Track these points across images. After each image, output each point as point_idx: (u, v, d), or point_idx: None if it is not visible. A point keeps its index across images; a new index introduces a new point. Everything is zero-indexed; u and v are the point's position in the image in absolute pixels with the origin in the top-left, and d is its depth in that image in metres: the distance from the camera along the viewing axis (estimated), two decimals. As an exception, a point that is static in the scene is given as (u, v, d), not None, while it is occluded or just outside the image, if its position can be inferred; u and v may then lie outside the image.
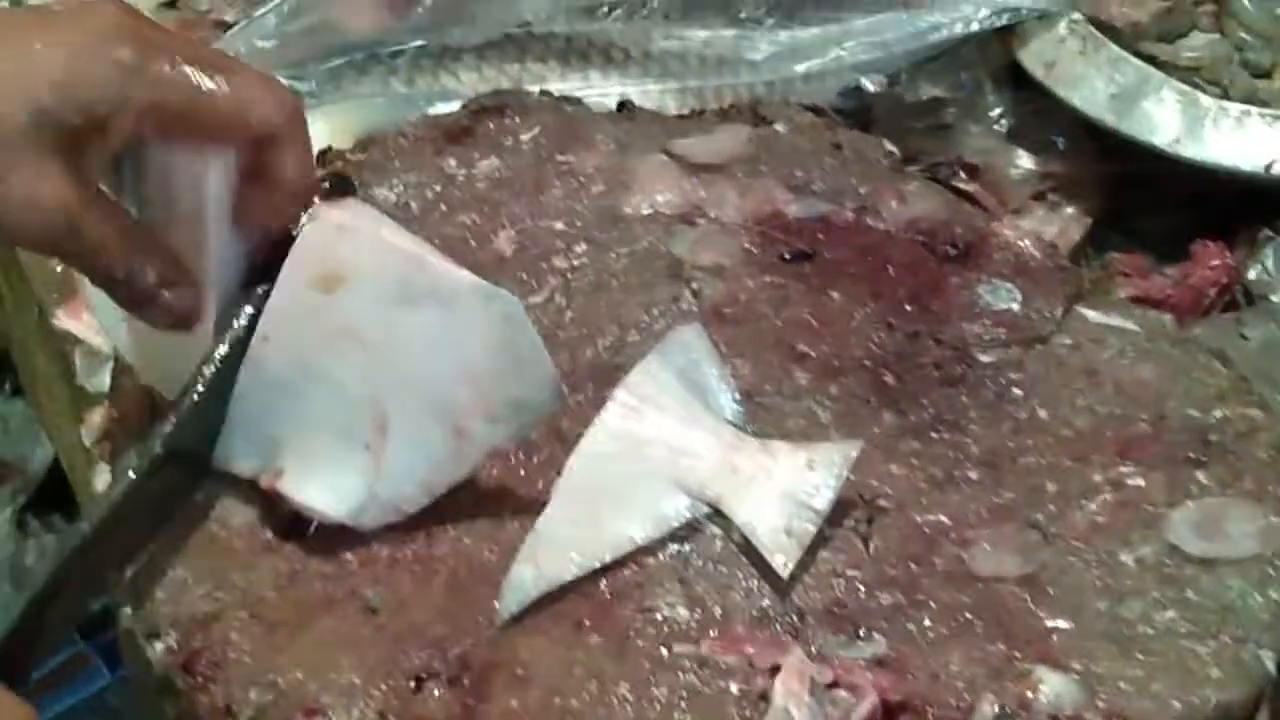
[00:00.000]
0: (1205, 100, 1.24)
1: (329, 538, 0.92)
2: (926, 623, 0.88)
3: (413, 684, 0.87)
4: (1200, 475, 0.95)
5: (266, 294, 0.90)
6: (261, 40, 1.35)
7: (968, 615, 0.88)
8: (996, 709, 0.83)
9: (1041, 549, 0.91)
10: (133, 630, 0.92)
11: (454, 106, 1.26)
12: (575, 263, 1.08)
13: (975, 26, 1.32)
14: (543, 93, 1.23)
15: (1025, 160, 1.34)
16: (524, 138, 1.17)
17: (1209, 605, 0.88)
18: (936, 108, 1.36)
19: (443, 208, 1.12)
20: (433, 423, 0.91)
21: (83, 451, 1.27)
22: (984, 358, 1.03)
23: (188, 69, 0.82)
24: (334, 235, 0.89)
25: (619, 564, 0.91)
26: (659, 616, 0.89)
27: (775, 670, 0.85)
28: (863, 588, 0.89)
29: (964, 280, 1.07)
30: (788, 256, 1.08)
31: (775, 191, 1.12)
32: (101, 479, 1.17)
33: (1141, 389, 1.00)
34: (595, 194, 1.12)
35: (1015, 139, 1.35)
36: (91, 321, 1.21)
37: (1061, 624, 0.87)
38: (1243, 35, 1.34)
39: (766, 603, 0.89)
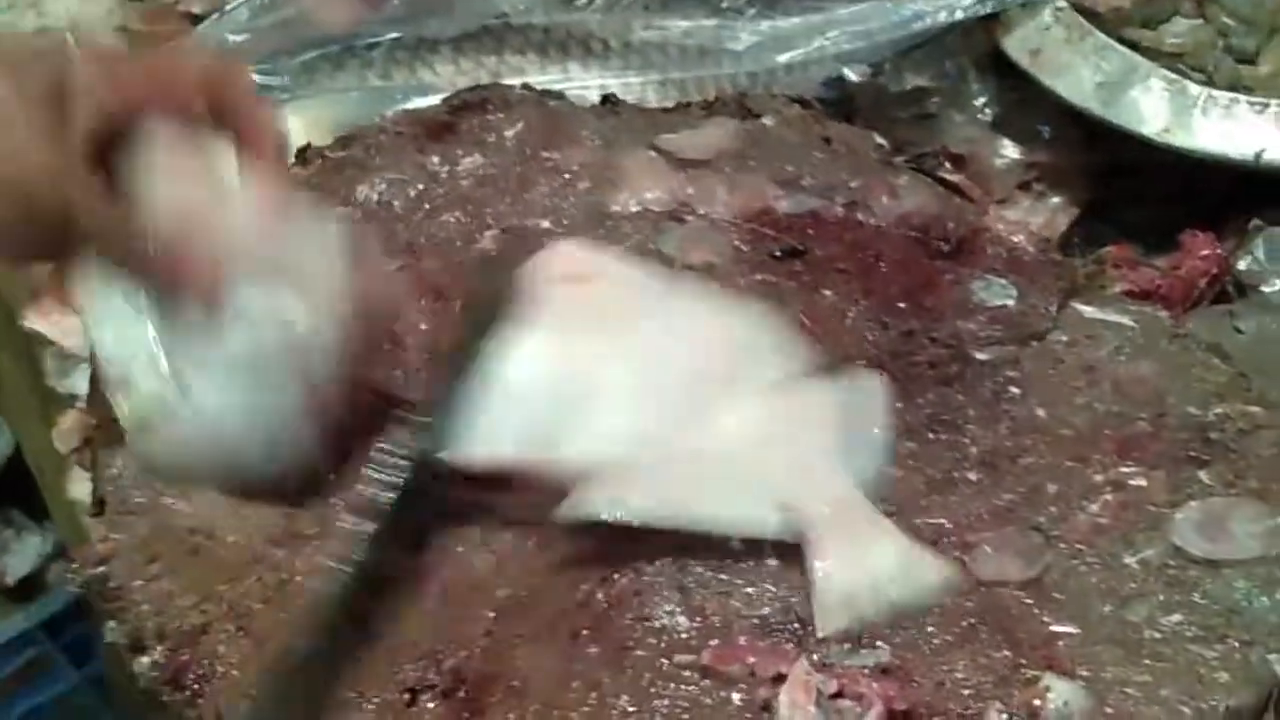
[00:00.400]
0: (1193, 88, 1.23)
1: (316, 549, 0.90)
2: (930, 629, 0.86)
3: (407, 697, 0.86)
4: (1202, 474, 0.94)
5: None
6: (233, 34, 1.34)
7: (971, 621, 0.87)
8: (1004, 718, 0.81)
9: (1044, 552, 0.90)
10: (117, 644, 0.91)
11: (432, 100, 1.24)
12: (565, 262, 1.06)
13: (959, 14, 1.31)
14: (524, 86, 1.22)
15: (1010, 150, 1.33)
16: (507, 134, 1.16)
17: (1215, 608, 0.87)
18: (920, 97, 1.35)
19: (426, 206, 1.11)
20: (688, 402, 0.91)
21: (54, 455, 1.26)
22: (980, 355, 1.01)
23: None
24: (572, 255, 0.98)
25: (617, 572, 0.89)
26: (658, 625, 0.87)
27: (778, 680, 0.83)
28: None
29: (957, 276, 1.06)
30: (778, 254, 1.06)
31: (765, 187, 1.11)
32: (78, 486, 1.16)
33: (1140, 386, 0.99)
34: (581, 191, 1.11)
35: (1000, 128, 1.34)
36: (63, 322, 1.19)
37: (1067, 629, 0.86)
38: (1226, 20, 1.33)
39: (767, 611, 0.87)
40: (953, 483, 0.94)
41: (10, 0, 1.53)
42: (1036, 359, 1.02)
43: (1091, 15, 1.30)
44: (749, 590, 0.88)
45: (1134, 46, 1.28)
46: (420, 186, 1.12)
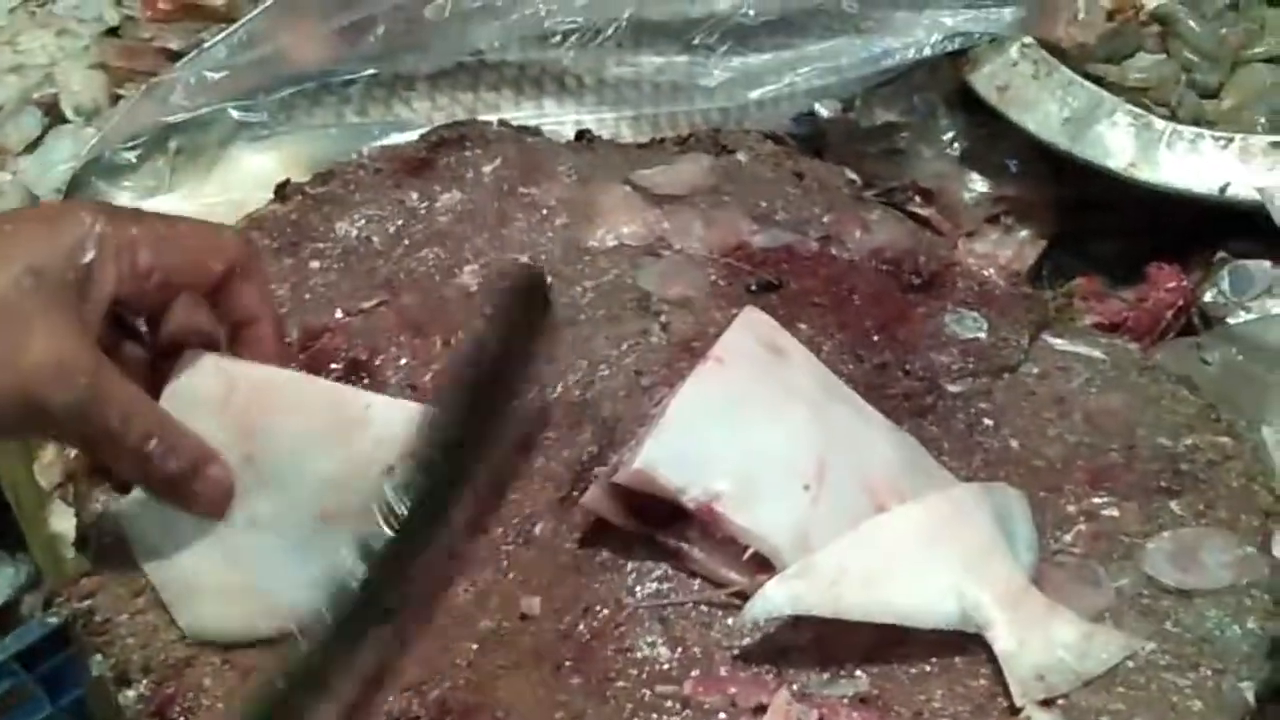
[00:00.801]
0: (1158, 123, 1.24)
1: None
2: (907, 658, 0.88)
3: (391, 728, 0.87)
4: (1173, 505, 0.95)
5: None
6: (211, 71, 1.34)
7: (947, 649, 0.88)
8: (983, 746, 0.83)
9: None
10: (103, 677, 0.92)
11: (409, 136, 1.25)
12: (542, 297, 1.07)
13: (927, 51, 1.32)
14: (500, 122, 1.22)
15: (979, 184, 1.35)
16: (485, 170, 1.16)
17: (1187, 637, 0.88)
18: (890, 132, 1.36)
19: (405, 242, 1.11)
20: (861, 491, 0.91)
21: (33, 489, 1.26)
22: (953, 388, 1.02)
23: (149, 216, 0.91)
24: (769, 324, 0.97)
25: (598, 605, 0.90)
26: (639, 656, 0.88)
27: (759, 710, 0.85)
28: (842, 624, 0.88)
29: (929, 309, 1.07)
30: (754, 288, 1.07)
31: (739, 222, 1.12)
32: (61, 520, 1.16)
33: (1110, 418, 1.00)
34: (559, 226, 1.12)
35: (968, 163, 1.36)
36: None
37: (1042, 657, 0.87)
38: (1189, 56, 1.34)
39: (747, 641, 0.88)
40: (928, 514, 0.95)
41: (-14, 37, 1.54)
42: (1008, 391, 1.03)
43: (1056, 51, 1.32)
44: (729, 621, 0.89)
45: (1099, 82, 1.29)
46: (399, 222, 1.13)
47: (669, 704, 0.86)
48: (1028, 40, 1.31)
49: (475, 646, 0.90)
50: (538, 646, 0.89)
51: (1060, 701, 0.84)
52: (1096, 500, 0.96)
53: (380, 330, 1.05)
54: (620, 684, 0.87)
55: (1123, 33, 1.35)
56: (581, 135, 1.24)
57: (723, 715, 0.85)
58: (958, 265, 1.11)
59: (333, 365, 1.04)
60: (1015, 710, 0.84)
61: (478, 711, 0.87)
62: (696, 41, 1.38)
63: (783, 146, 1.22)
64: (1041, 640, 0.86)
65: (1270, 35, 1.35)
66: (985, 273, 1.10)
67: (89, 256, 0.86)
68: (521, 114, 1.34)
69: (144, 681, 0.90)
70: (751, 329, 0.97)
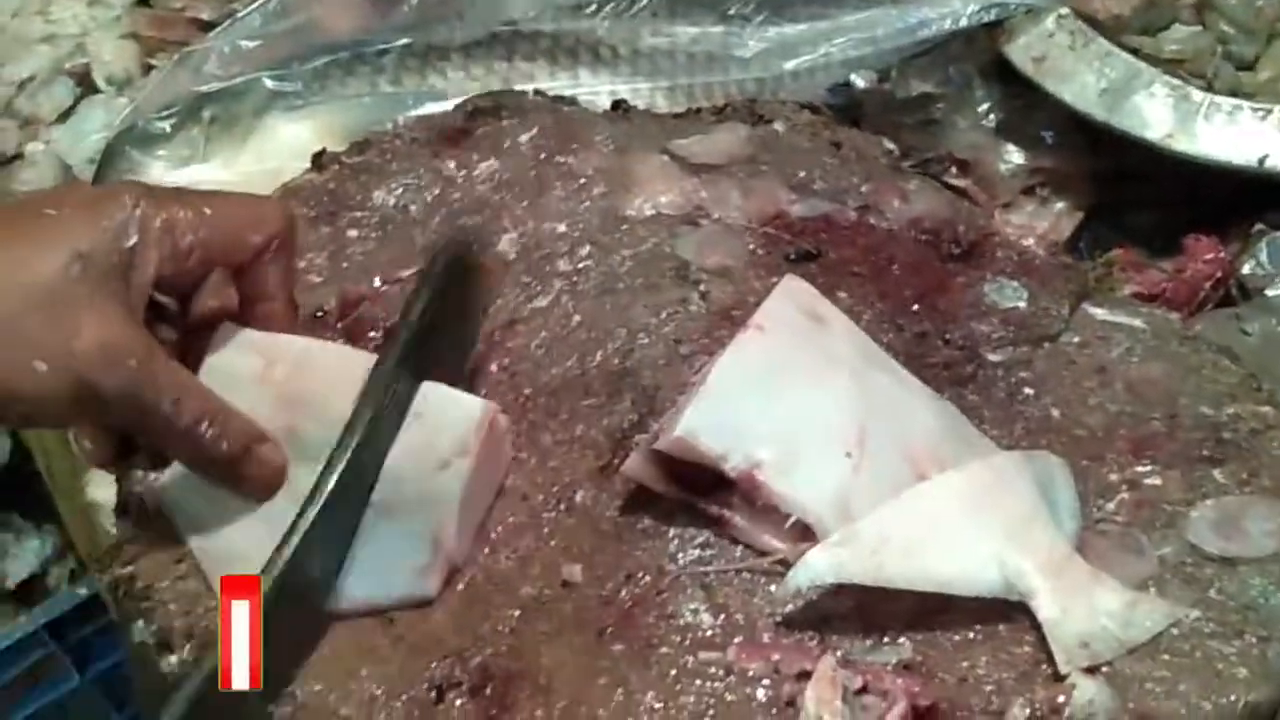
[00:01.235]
0: (1196, 94, 1.24)
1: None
2: (950, 625, 0.87)
3: (434, 694, 0.87)
4: (1216, 473, 0.95)
5: None
6: (245, 40, 1.34)
7: (991, 617, 0.87)
8: (1027, 712, 0.82)
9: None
10: (146, 643, 0.92)
11: (443, 106, 1.25)
12: (580, 265, 1.07)
13: (964, 22, 1.32)
14: (536, 92, 1.22)
15: (1015, 155, 1.34)
16: (522, 139, 1.16)
17: (1231, 605, 0.88)
18: (926, 103, 1.36)
19: (443, 211, 1.11)
20: (902, 459, 0.91)
21: (67, 457, 1.26)
22: (993, 357, 1.02)
23: (190, 194, 0.91)
24: (810, 293, 0.98)
25: (640, 571, 0.90)
26: (682, 623, 0.88)
27: (802, 676, 0.84)
28: (885, 591, 0.87)
29: (969, 279, 1.07)
30: (793, 257, 1.07)
31: (778, 191, 1.12)
32: (99, 489, 1.16)
33: (1152, 387, 1.00)
34: (596, 195, 1.11)
35: (1004, 134, 1.35)
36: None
37: (1086, 625, 0.87)
38: (1225, 28, 1.33)
39: (790, 608, 0.88)
40: (970, 483, 0.95)
41: (18, 7, 1.54)
42: (1049, 360, 1.03)
43: (1092, 22, 1.31)
44: (771, 588, 0.89)
45: (1133, 53, 1.29)
46: (436, 191, 1.13)
47: (712, 670, 0.86)
48: (1064, 11, 1.30)
49: (517, 613, 0.90)
50: (580, 613, 0.89)
51: (1104, 669, 0.84)
52: (1139, 469, 0.95)
53: (418, 299, 1.05)
54: (663, 650, 0.87)
55: (1158, 4, 1.34)
56: (617, 105, 1.24)
57: (766, 682, 0.85)
58: (997, 235, 1.10)
59: (371, 334, 1.04)
60: (1060, 677, 0.84)
61: (519, 678, 0.87)
62: (732, 12, 1.38)
63: (819, 116, 1.22)
64: (1085, 608, 0.86)
65: (1307, 8, 1.34)
66: (1024, 242, 1.10)
67: (132, 240, 0.86)
68: (556, 84, 1.34)
69: (186, 647, 0.90)
70: (792, 297, 0.97)
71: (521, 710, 0.86)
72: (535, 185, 1.13)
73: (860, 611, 0.88)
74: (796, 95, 1.31)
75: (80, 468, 1.24)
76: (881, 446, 0.91)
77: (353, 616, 0.90)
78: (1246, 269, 1.20)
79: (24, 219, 0.86)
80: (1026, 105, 1.34)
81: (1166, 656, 0.85)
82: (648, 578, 0.90)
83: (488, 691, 0.86)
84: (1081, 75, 1.27)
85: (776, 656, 0.86)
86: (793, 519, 0.89)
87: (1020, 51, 1.31)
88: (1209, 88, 1.28)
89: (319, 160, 1.15)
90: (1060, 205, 1.32)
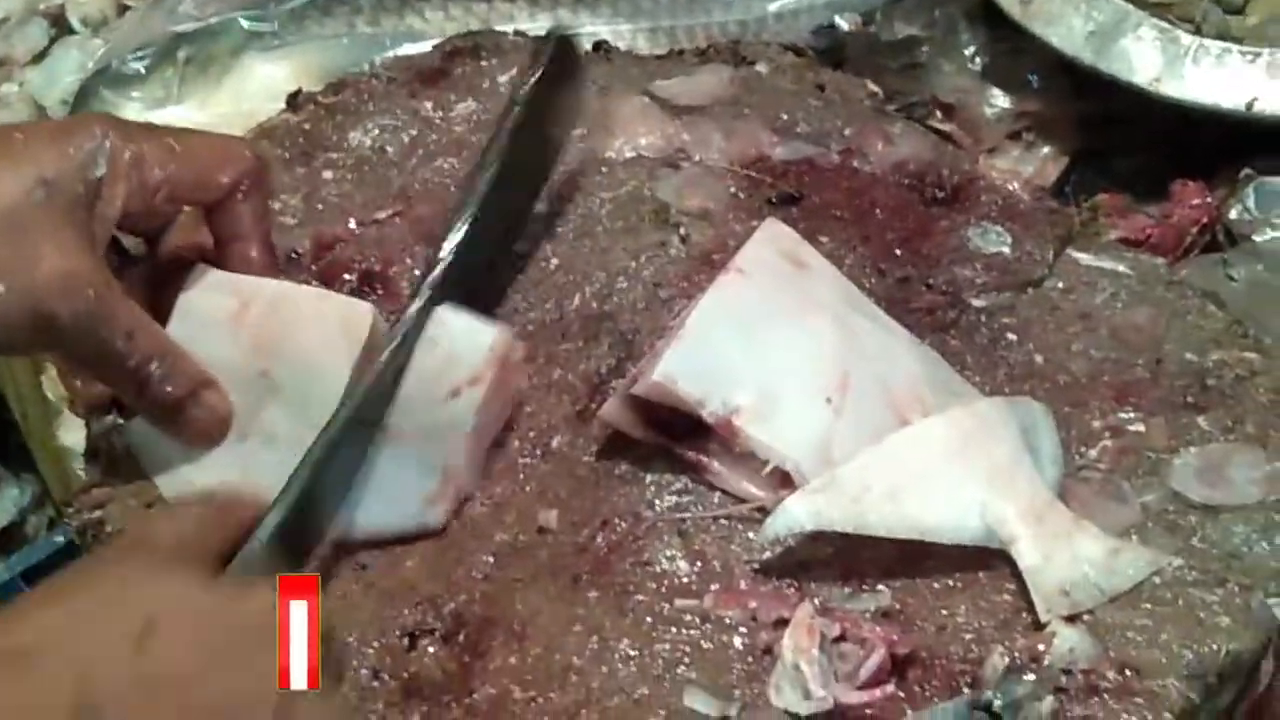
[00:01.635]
0: (1185, 38, 1.22)
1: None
2: (930, 573, 0.87)
3: (406, 641, 0.86)
4: (1200, 420, 0.94)
5: None
6: (223, -23, 1.32)
7: (971, 564, 0.86)
8: (1006, 661, 0.81)
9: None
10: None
11: (421, 47, 1.24)
12: (559, 208, 1.05)
13: (950, -37, 1.30)
14: (516, 33, 1.20)
15: (1000, 99, 1.32)
16: (500, 80, 1.14)
17: (1214, 553, 0.87)
18: (911, 46, 1.34)
19: (420, 152, 1.10)
20: (884, 405, 0.90)
21: (40, 402, 1.25)
22: (976, 302, 1.01)
23: (160, 130, 0.92)
24: (792, 237, 0.97)
25: (616, 518, 0.89)
26: (658, 570, 0.87)
27: (780, 624, 0.84)
28: (864, 538, 0.86)
29: (952, 223, 1.05)
30: (775, 200, 1.06)
31: (760, 134, 1.10)
32: (70, 434, 1.15)
33: (1136, 333, 0.99)
34: (576, 137, 1.09)
35: (989, 78, 1.33)
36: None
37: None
38: (1214, -30, 1.32)
39: (768, 555, 0.87)
40: (951, 428, 0.94)
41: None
42: (1033, 306, 1.01)
43: (1078, -36, 1.29)
44: (749, 535, 0.88)
45: (1121, -3, 1.28)
46: (414, 132, 1.11)
47: (688, 618, 0.85)
48: (1051, -48, 1.29)
49: (491, 559, 0.89)
50: (555, 560, 0.88)
51: (1086, 617, 0.83)
52: (1122, 415, 0.94)
53: (394, 241, 1.04)
54: (639, 597, 0.86)
55: (1147, -53, 1.33)
56: (598, 47, 1.22)
57: (743, 629, 0.84)
58: (981, 179, 1.09)
59: (345, 276, 1.03)
60: (1040, 625, 0.83)
61: (494, 625, 0.86)
62: (715, -49, 1.36)
63: (803, 59, 1.20)
64: (1066, 556, 0.85)
65: (1297, -49, 1.32)
66: (1009, 187, 1.08)
67: (100, 171, 0.85)
68: (536, 25, 1.32)
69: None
70: (773, 241, 0.96)
71: (495, 657, 0.85)
72: (514, 126, 1.11)
73: (839, 559, 0.87)
74: (780, 37, 1.30)
75: (53, 412, 1.23)
76: (863, 392, 0.90)
77: (358, 548, 0.90)
78: (1233, 214, 1.19)
79: None
80: (1012, 48, 1.32)
81: (1148, 605, 0.84)
82: (624, 524, 0.89)
83: (461, 638, 0.86)
84: (1068, 18, 1.25)
85: (754, 604, 0.85)
86: (771, 465, 0.87)
87: (1006, -7, 1.29)
88: (1197, 31, 1.26)
89: (294, 101, 1.14)
90: (1046, 149, 1.31)
